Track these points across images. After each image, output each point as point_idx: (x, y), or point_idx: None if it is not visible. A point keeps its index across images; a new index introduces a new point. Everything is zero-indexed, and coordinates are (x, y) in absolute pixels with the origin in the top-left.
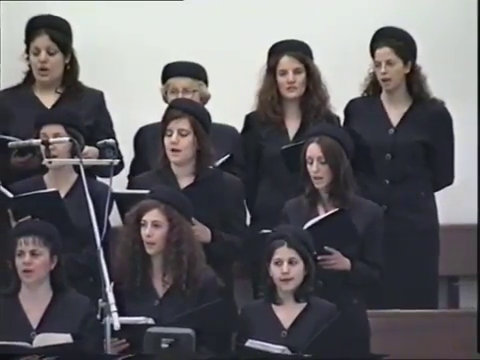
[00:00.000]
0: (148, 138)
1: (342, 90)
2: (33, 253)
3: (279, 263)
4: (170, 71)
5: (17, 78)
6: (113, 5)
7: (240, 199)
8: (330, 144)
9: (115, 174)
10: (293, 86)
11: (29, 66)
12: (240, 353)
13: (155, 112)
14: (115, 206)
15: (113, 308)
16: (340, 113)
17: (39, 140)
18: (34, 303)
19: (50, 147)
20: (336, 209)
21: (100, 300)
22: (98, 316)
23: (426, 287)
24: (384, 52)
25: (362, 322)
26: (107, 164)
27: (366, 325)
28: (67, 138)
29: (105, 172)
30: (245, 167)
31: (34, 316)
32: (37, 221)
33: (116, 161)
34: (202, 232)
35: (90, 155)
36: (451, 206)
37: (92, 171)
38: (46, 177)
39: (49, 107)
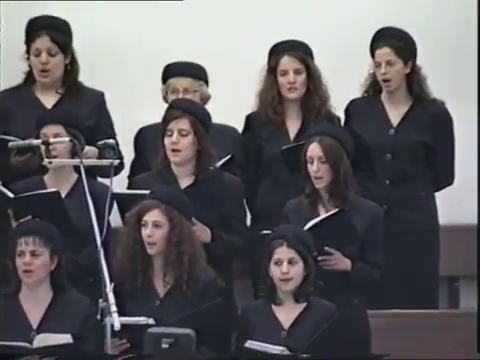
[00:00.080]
0: (148, 138)
1: (342, 90)
2: (33, 253)
3: (279, 263)
4: (170, 71)
5: (17, 78)
6: (113, 5)
7: (240, 199)
8: (331, 144)
9: (115, 174)
10: (294, 87)
11: (29, 66)
12: (240, 353)
13: (155, 112)
14: (115, 206)
15: (113, 308)
16: (340, 113)
17: (39, 140)
18: (34, 303)
19: (50, 147)
20: (336, 209)
21: (100, 300)
22: (98, 316)
23: (426, 287)
24: (384, 52)
25: (362, 322)
26: (107, 164)
27: (366, 325)
28: (67, 138)
29: (105, 172)
30: (245, 167)
31: (34, 316)
32: (37, 221)
33: (116, 161)
34: (202, 232)
35: (90, 154)
36: (451, 206)
37: (92, 171)
38: (46, 177)
39: (49, 107)
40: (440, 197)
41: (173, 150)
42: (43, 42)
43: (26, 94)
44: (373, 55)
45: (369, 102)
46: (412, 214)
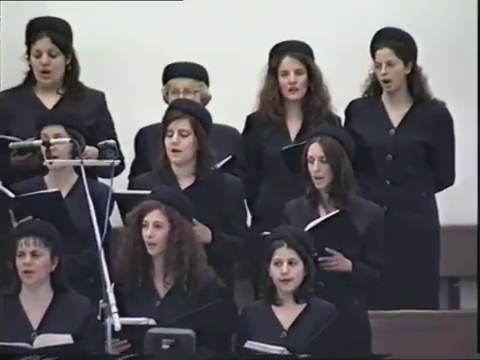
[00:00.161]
0: (149, 139)
1: (343, 91)
2: (34, 254)
3: (279, 264)
4: (171, 72)
5: (17, 78)
6: (114, 5)
7: (240, 200)
8: (331, 144)
9: (116, 175)
10: (295, 87)
11: (30, 67)
12: (240, 354)
13: (156, 113)
14: (116, 207)
15: (114, 309)
16: (341, 114)
17: (40, 141)
18: (35, 304)
19: (51, 148)
20: (337, 211)
21: (101, 301)
22: (99, 317)
23: (427, 288)
24: (384, 53)
25: (363, 323)
26: (108, 165)
27: (367, 326)
28: (68, 139)
29: (106, 173)
30: (246, 168)
31: (35, 317)
32: (38, 222)
33: (117, 162)
34: (203, 233)
35: (90, 154)
36: (451, 206)
37: (93, 172)
38: (47, 178)
39: (50, 108)
40: (440, 197)
41: (173, 150)
42: (44, 43)
43: (27, 95)
44: (373, 56)
45: (370, 103)
46: (412, 214)
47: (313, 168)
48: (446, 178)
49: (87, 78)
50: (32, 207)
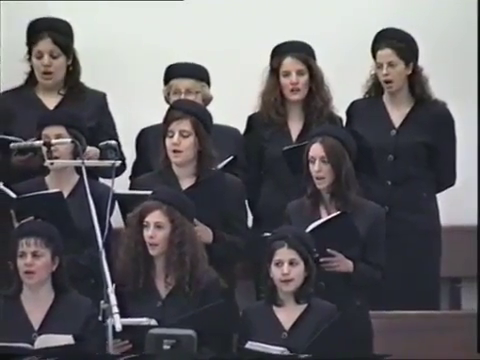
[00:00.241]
0: (150, 139)
1: (344, 91)
2: (35, 254)
3: (279, 264)
4: (173, 72)
5: (18, 79)
6: (114, 5)
7: (241, 200)
8: (333, 144)
9: (117, 175)
10: (296, 88)
11: (31, 67)
12: (241, 354)
13: (157, 113)
14: (117, 207)
15: (115, 309)
16: (342, 114)
17: (41, 141)
18: (36, 304)
19: (52, 148)
20: (338, 212)
21: (102, 301)
22: (100, 317)
23: (428, 288)
24: (386, 54)
25: (364, 323)
26: (109, 165)
27: (368, 326)
28: (69, 139)
29: (107, 173)
30: (247, 168)
31: (36, 317)
32: (39, 222)
33: (118, 162)
34: (204, 233)
35: (91, 155)
36: (452, 207)
37: (94, 172)
38: (48, 178)
39: (51, 109)
40: (440, 198)
41: (174, 151)
42: (45, 44)
43: (28, 95)
44: (375, 56)
45: (371, 103)
46: (414, 215)
47: (314, 168)
48: (447, 179)
49: (88, 78)
50: (34, 207)
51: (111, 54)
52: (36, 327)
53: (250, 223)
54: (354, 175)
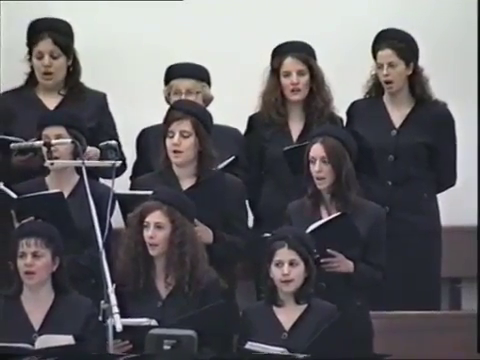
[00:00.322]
0: (151, 139)
1: (344, 91)
2: (35, 255)
3: (280, 265)
4: (173, 72)
5: (18, 79)
6: (114, 5)
7: (242, 200)
8: (333, 144)
9: (117, 175)
10: (297, 88)
11: (31, 68)
12: (241, 355)
13: (157, 113)
14: (118, 207)
15: (115, 310)
16: (343, 114)
17: (41, 142)
18: (36, 305)
19: (52, 149)
20: (339, 213)
21: (102, 302)
22: (100, 318)
23: (428, 289)
24: (386, 54)
25: (365, 323)
26: (109, 165)
27: (369, 326)
28: (69, 140)
29: (107, 173)
30: (248, 168)
31: (36, 318)
32: (39, 223)
33: (118, 162)
34: (204, 233)
35: (91, 155)
36: (452, 207)
37: (94, 172)
38: (48, 179)
39: (52, 109)
40: (441, 198)
41: (174, 151)
42: (46, 45)
43: (28, 95)
44: (375, 57)
45: (371, 103)
46: (414, 215)
47: (315, 168)
48: (448, 179)
49: (88, 79)
50: (34, 208)
51: (111, 54)
52: (36, 327)
53: (251, 223)
54: (355, 175)
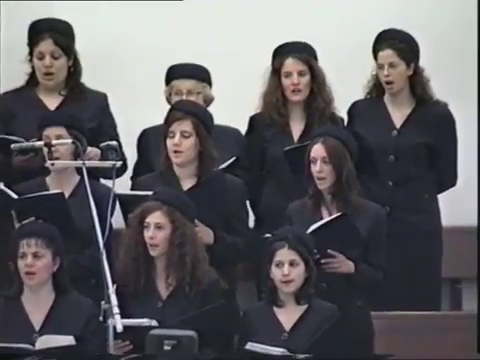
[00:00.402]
0: (151, 140)
1: (345, 92)
2: (35, 255)
3: (280, 265)
4: (174, 73)
5: (18, 79)
6: (115, 6)
7: (242, 201)
8: (334, 145)
9: (118, 176)
10: (297, 88)
11: (32, 68)
12: (242, 355)
13: (158, 114)
14: (118, 208)
15: (116, 310)
16: (343, 115)
17: (42, 142)
18: (36, 305)
19: (53, 149)
20: (339, 213)
21: (103, 302)
22: (101, 318)
23: (429, 289)
24: (387, 54)
25: (365, 324)
26: (110, 166)
27: (369, 327)
28: (70, 140)
29: (108, 174)
30: (249, 169)
31: (36, 318)
32: (39, 223)
33: (119, 163)
34: (205, 234)
35: (92, 155)
36: (452, 207)
37: (95, 173)
38: (48, 179)
39: (52, 109)
40: (441, 198)
41: (175, 152)
42: (46, 45)
43: (29, 96)
44: (376, 57)
45: (372, 104)
46: (415, 216)
47: (316, 169)
48: (448, 179)
49: (89, 79)
50: (35, 208)
51: (112, 55)
52: (37, 328)
53: (252, 224)
54: (355, 176)
